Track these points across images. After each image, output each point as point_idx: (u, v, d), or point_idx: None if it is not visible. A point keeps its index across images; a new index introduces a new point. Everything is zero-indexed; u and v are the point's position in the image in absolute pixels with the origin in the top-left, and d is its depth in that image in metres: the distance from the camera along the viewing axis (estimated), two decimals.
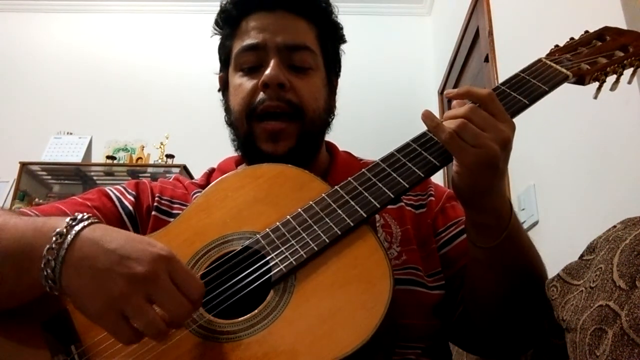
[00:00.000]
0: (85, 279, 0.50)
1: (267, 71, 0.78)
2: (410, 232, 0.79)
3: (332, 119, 0.89)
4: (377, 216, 0.78)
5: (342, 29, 0.91)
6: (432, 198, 0.84)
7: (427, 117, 0.63)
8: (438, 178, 2.98)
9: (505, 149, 0.61)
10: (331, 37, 0.89)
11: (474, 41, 2.46)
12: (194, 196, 0.81)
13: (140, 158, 3.09)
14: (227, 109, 0.86)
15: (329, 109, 0.87)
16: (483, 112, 0.62)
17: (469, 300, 0.74)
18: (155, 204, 0.81)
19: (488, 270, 0.68)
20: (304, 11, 0.84)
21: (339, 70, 0.93)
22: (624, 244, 0.58)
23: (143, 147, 3.14)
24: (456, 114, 0.62)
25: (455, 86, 2.88)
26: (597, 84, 0.75)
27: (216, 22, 0.89)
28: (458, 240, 0.79)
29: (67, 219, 0.54)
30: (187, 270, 0.53)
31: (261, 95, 0.78)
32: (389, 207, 0.79)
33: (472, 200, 0.64)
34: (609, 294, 0.55)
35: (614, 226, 0.65)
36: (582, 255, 0.69)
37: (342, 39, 0.92)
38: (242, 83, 0.81)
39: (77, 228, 0.53)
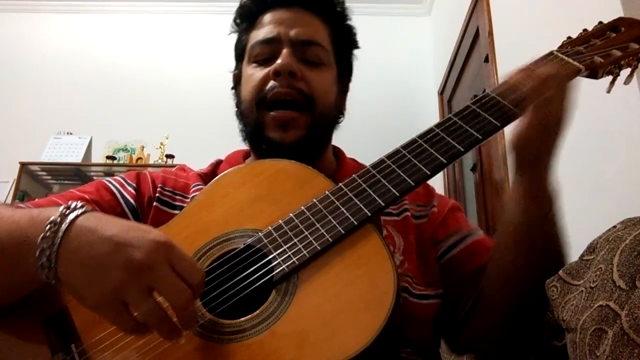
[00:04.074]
0: (83, 268, 0.49)
1: (279, 60, 0.79)
2: (412, 243, 0.78)
3: (341, 119, 0.89)
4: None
5: (355, 34, 0.93)
6: (435, 209, 0.83)
7: None
8: (438, 182, 2.97)
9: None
10: (344, 39, 0.90)
11: (474, 41, 2.46)
12: (194, 189, 0.80)
13: (140, 158, 3.10)
14: (238, 101, 0.86)
15: (338, 108, 0.88)
16: None
17: (485, 298, 0.72)
18: (157, 194, 0.79)
19: (522, 250, 0.68)
20: (319, 10, 0.86)
21: (350, 74, 0.94)
22: (624, 244, 0.58)
23: (143, 147, 3.14)
24: None
25: (455, 86, 2.88)
26: (610, 77, 0.73)
27: (235, 19, 0.91)
28: (461, 247, 0.78)
29: (61, 208, 0.53)
30: (185, 256, 0.51)
31: (272, 83, 0.79)
32: (392, 218, 0.79)
33: (537, 160, 0.67)
34: (609, 294, 0.55)
35: (614, 226, 0.65)
36: (582, 256, 0.69)
37: (354, 43, 0.93)
38: (254, 73, 0.82)
39: (71, 217, 0.51)
